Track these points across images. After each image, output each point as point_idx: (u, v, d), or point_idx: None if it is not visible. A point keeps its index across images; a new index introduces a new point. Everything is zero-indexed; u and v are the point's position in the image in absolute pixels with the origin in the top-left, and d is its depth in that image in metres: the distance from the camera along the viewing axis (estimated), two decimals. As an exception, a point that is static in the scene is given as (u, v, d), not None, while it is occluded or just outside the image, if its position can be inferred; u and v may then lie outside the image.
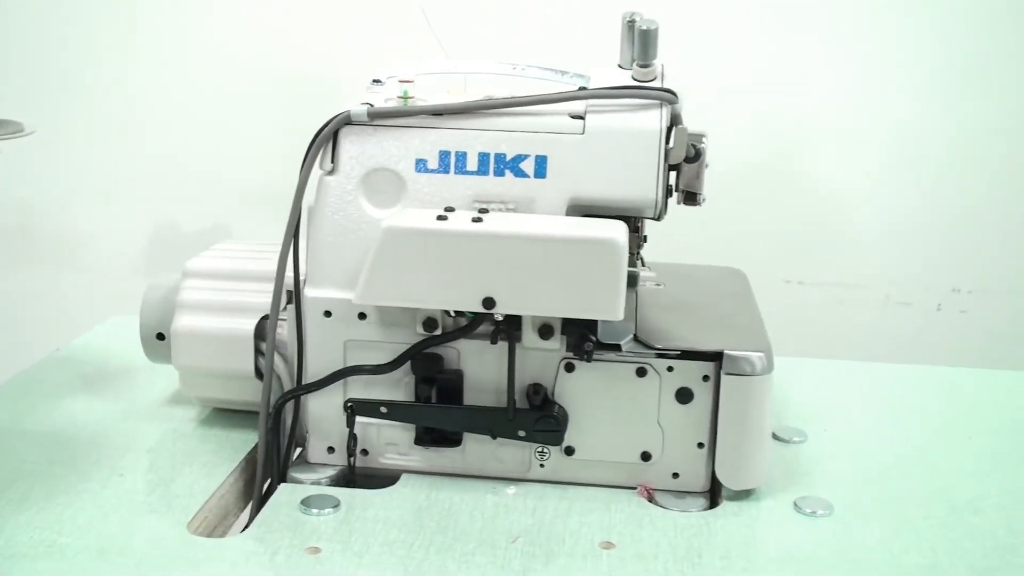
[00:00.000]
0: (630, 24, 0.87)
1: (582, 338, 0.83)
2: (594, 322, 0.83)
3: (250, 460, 0.91)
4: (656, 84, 0.87)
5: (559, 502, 0.84)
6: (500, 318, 0.82)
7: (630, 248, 0.90)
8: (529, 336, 0.84)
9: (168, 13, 1.45)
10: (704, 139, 0.89)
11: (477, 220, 0.80)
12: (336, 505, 0.82)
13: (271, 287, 0.87)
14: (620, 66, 0.90)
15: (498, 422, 0.85)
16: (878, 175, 1.42)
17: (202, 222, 1.50)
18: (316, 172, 0.86)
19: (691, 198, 0.89)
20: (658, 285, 0.99)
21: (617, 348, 0.84)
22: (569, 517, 0.82)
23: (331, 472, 0.88)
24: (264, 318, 0.90)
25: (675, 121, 0.87)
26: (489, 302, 0.79)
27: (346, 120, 0.85)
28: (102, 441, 0.91)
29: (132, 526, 0.78)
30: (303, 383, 0.87)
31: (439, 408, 0.86)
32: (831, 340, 1.45)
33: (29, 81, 1.46)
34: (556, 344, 0.84)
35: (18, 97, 1.45)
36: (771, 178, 1.43)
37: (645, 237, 0.98)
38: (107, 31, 1.45)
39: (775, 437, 0.97)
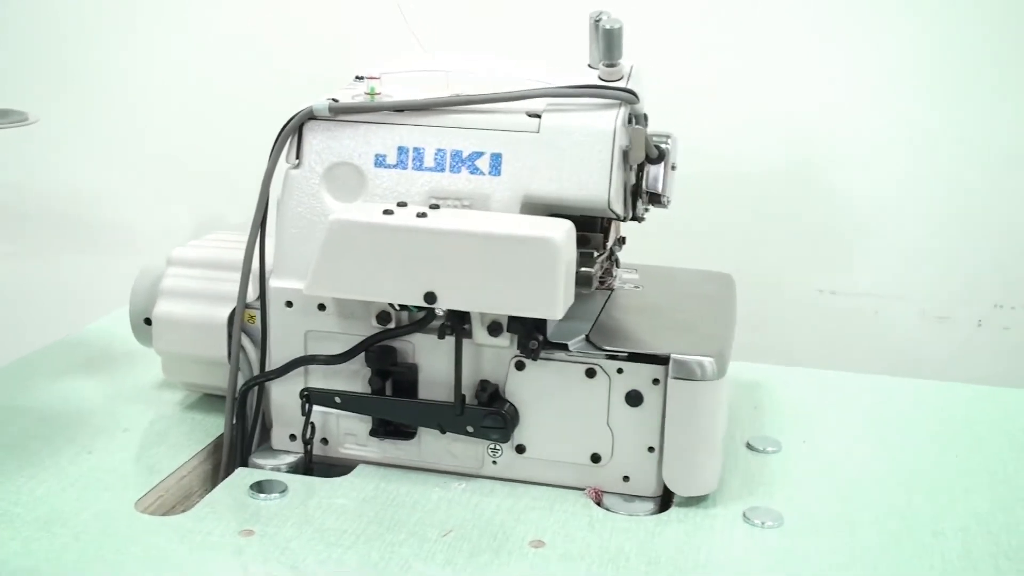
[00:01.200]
0: (596, 23, 0.87)
1: (528, 336, 0.83)
2: (543, 321, 0.83)
3: (219, 444, 0.93)
4: (621, 84, 0.86)
5: (504, 499, 0.84)
6: (441, 313, 0.83)
7: (597, 249, 0.90)
8: (479, 333, 0.84)
9: (220, 11, 1.49)
10: (668, 140, 0.88)
11: (421, 215, 0.80)
12: (284, 491, 0.84)
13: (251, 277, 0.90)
14: (590, 66, 0.90)
15: (447, 417, 0.85)
16: (917, 183, 1.37)
17: (247, 213, 1.54)
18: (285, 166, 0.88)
19: (656, 199, 0.88)
20: (636, 287, 0.98)
21: (565, 348, 0.84)
22: (509, 515, 0.82)
23: (291, 459, 0.90)
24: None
25: (639, 121, 0.86)
26: (431, 297, 0.80)
27: (309, 115, 0.86)
28: (83, 420, 0.95)
29: (84, 500, 0.81)
30: (265, 371, 0.90)
31: (391, 400, 0.87)
32: (863, 353, 1.41)
33: (81, 73, 1.52)
34: (506, 342, 0.84)
35: (70, 88, 1.51)
36: (805, 185, 1.39)
37: (623, 238, 0.98)
38: (165, 25, 1.50)
39: (748, 446, 0.95)
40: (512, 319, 0.83)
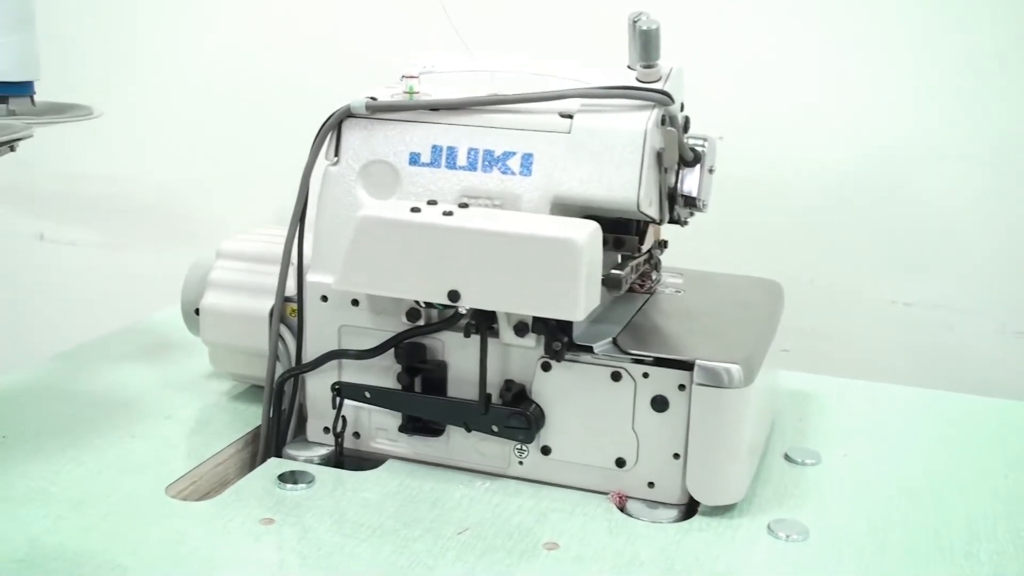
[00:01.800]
0: (634, 24, 0.86)
1: (553, 337, 0.82)
2: (569, 322, 0.83)
3: (256, 434, 0.95)
4: (659, 86, 0.85)
5: (526, 500, 0.84)
6: (465, 311, 0.83)
7: (631, 251, 0.89)
8: (506, 333, 0.84)
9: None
10: (705, 143, 0.86)
11: (447, 214, 0.81)
12: (311, 482, 0.85)
13: (294, 271, 0.92)
14: (629, 67, 0.89)
15: (473, 415, 0.86)
16: (998, 190, 1.31)
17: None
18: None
19: (691, 202, 0.87)
20: (678, 292, 0.97)
21: (591, 350, 0.83)
22: (528, 515, 0.82)
23: (324, 451, 0.91)
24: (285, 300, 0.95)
25: (674, 123, 0.85)
26: (455, 295, 0.80)
27: (347, 113, 0.88)
28: (131, 406, 0.98)
29: (117, 483, 0.84)
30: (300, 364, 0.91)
31: (418, 397, 0.88)
32: (935, 368, 1.36)
33: (164, 66, 1.57)
34: (532, 342, 0.84)
35: (153, 81, 1.57)
36: (879, 193, 1.35)
37: (664, 242, 0.97)
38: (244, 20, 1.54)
39: (786, 458, 0.93)
40: (537, 319, 0.82)
